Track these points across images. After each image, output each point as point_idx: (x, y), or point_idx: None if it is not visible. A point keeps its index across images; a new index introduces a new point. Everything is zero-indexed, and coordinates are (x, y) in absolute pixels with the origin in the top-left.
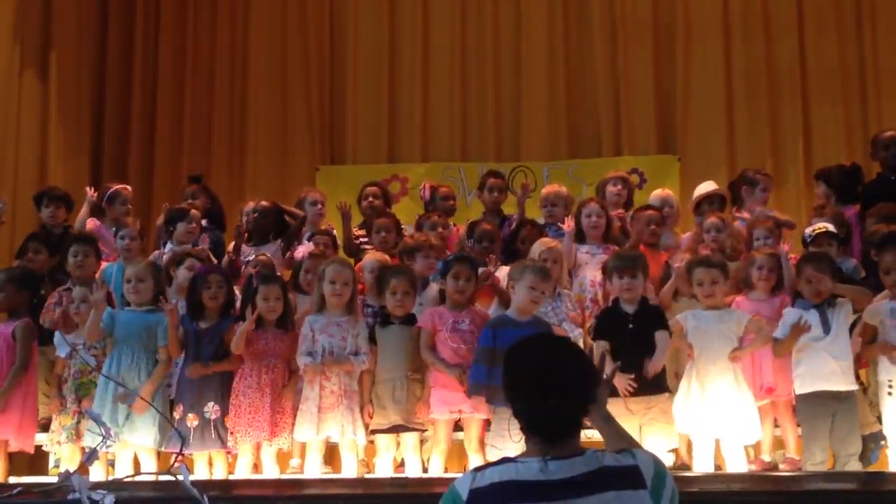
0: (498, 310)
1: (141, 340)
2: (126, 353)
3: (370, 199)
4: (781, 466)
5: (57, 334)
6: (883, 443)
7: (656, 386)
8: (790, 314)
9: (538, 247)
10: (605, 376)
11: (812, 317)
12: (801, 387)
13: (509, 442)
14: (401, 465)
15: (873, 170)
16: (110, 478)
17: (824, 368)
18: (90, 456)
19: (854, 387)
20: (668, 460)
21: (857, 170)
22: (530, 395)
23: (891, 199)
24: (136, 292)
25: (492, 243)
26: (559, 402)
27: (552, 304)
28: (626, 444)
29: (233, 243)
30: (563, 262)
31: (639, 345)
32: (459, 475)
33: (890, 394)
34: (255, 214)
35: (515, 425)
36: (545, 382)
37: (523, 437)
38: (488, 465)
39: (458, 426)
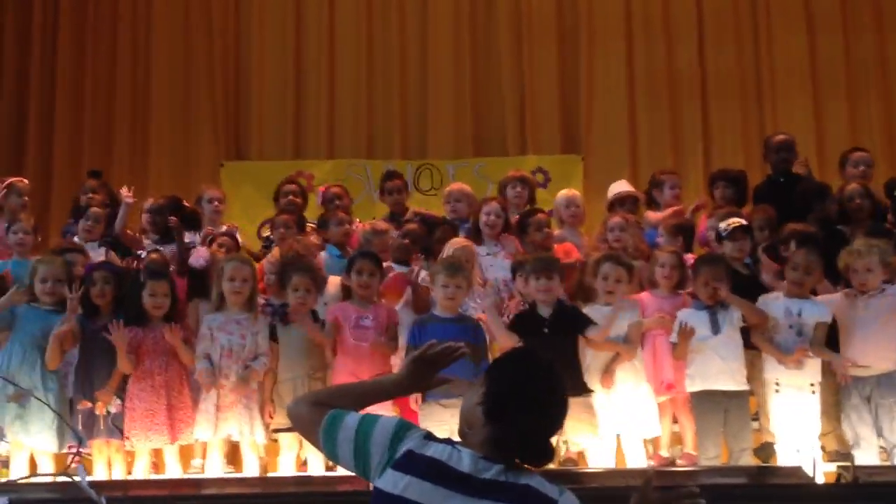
0: (404, 308)
1: (35, 339)
2: (18, 351)
3: (290, 196)
4: (679, 461)
5: None
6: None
7: (574, 388)
8: (680, 317)
9: (450, 247)
10: None
11: (702, 317)
12: (692, 385)
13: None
14: (304, 464)
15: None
16: (3, 480)
17: (713, 368)
18: None
19: (744, 387)
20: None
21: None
22: (516, 410)
23: (779, 200)
24: (52, 293)
25: (415, 243)
26: (541, 424)
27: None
28: None
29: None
30: (475, 261)
31: (554, 350)
32: None
33: (777, 391)
34: (149, 214)
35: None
36: (534, 402)
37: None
38: (439, 438)
39: None
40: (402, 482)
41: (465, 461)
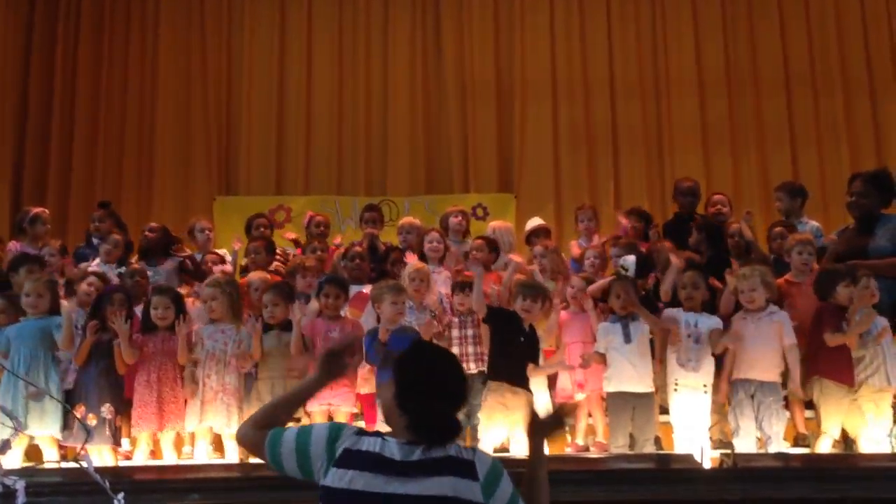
0: (368, 318)
1: (35, 340)
2: (25, 355)
3: (262, 229)
4: (592, 449)
5: None
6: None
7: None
8: (600, 329)
9: (409, 269)
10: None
11: (616, 328)
12: (608, 386)
13: None
14: None
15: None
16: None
17: (625, 373)
18: (3, 446)
19: (650, 389)
20: None
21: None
22: (421, 397)
23: (684, 234)
24: (34, 306)
25: (362, 262)
26: (444, 405)
27: (415, 314)
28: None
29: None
30: (430, 281)
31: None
32: None
33: (676, 390)
34: (150, 234)
35: None
36: (436, 386)
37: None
38: (368, 432)
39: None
40: (347, 476)
41: (394, 449)
